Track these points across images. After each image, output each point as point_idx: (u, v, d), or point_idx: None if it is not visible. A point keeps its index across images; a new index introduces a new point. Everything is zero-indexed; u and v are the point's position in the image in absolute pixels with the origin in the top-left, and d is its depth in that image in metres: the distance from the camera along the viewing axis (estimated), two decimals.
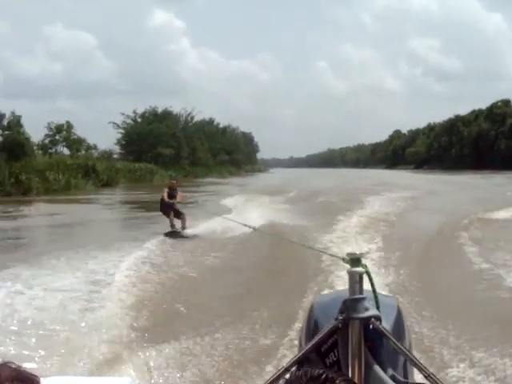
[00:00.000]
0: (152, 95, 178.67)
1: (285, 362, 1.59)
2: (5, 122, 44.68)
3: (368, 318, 1.65)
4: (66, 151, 58.59)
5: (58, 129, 56.95)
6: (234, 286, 9.11)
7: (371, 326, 1.65)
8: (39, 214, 24.28)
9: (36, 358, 5.77)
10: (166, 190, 15.56)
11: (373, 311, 1.68)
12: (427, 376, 1.47)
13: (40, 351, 5.95)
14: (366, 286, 1.73)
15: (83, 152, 59.39)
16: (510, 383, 5.03)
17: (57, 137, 57.21)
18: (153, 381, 5.31)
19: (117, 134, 76.69)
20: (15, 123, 44.62)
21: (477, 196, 26.96)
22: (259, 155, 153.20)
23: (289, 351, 5.63)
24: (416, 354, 1.97)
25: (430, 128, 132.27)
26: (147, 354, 5.84)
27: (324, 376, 1.15)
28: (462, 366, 5.37)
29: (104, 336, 6.37)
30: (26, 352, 5.92)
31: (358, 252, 1.74)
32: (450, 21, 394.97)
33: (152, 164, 64.95)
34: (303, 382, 1.14)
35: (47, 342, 6.19)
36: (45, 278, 9.25)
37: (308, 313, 2.07)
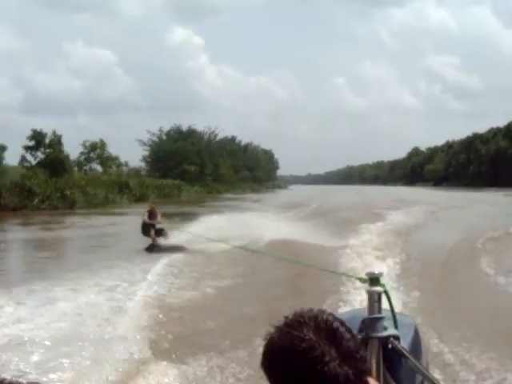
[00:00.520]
0: (171, 111, 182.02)
1: None
2: (46, 141, 47.82)
3: (387, 338, 1.68)
4: (98, 167, 61.92)
5: (93, 147, 60.25)
6: (246, 306, 9.02)
7: (390, 346, 1.67)
8: (90, 225, 26.98)
9: (52, 373, 5.87)
10: (146, 213, 17.63)
11: (391, 331, 1.71)
12: None
13: (55, 365, 6.04)
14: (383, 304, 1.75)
15: (114, 168, 62.42)
16: None
17: (91, 154, 60.50)
18: None
19: (142, 151, 79.26)
20: (56, 142, 47.92)
21: (505, 211, 27.71)
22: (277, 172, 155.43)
23: None
24: (434, 373, 2.03)
25: (449, 146, 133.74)
26: (163, 371, 5.93)
27: None
28: None
29: (119, 353, 6.42)
30: (43, 365, 6.05)
31: (376, 271, 1.78)
32: (468, 38, 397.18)
33: (178, 180, 67.47)
34: None
35: (64, 357, 6.25)
36: (67, 292, 9.76)
37: None
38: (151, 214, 17.63)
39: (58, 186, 38.72)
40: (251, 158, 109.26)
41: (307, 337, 1.09)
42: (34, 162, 48.52)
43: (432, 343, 6.19)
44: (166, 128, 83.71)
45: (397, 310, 1.87)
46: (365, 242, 15.16)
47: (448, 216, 26.29)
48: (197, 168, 78.49)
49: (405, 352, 1.65)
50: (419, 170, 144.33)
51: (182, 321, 8.09)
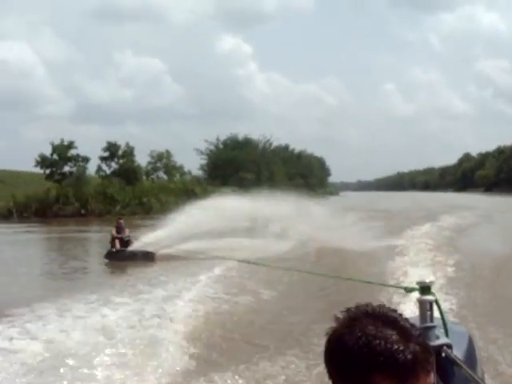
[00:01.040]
0: (220, 119, 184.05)
1: None
2: (120, 152, 52.06)
3: (440, 346, 1.70)
4: (163, 176, 66.10)
5: (160, 156, 64.40)
6: (286, 317, 9.04)
7: (443, 355, 1.68)
8: None
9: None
10: (114, 228, 19.63)
11: (444, 339, 1.74)
12: None
13: (90, 375, 6.26)
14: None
15: (178, 176, 66.39)
16: None
17: (158, 164, 64.66)
18: None
19: (200, 160, 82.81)
20: (129, 152, 52.12)
21: None
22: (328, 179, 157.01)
23: None
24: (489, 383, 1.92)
25: (500, 151, 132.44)
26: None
27: None
28: None
29: (158, 363, 6.66)
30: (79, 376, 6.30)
31: (427, 280, 1.81)
32: None
33: (236, 188, 70.61)
34: None
35: (103, 367, 6.41)
36: (111, 304, 10.04)
37: None
38: (118, 229, 19.55)
39: (136, 194, 42.65)
40: (304, 166, 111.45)
41: (370, 327, 1.10)
42: (108, 172, 53.03)
43: (484, 353, 5.89)
44: (222, 137, 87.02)
45: (448, 318, 1.84)
46: (416, 250, 15.36)
47: (503, 222, 26.43)
48: (253, 176, 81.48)
49: (458, 361, 1.65)
50: (470, 175, 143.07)
51: (220, 332, 8.26)
